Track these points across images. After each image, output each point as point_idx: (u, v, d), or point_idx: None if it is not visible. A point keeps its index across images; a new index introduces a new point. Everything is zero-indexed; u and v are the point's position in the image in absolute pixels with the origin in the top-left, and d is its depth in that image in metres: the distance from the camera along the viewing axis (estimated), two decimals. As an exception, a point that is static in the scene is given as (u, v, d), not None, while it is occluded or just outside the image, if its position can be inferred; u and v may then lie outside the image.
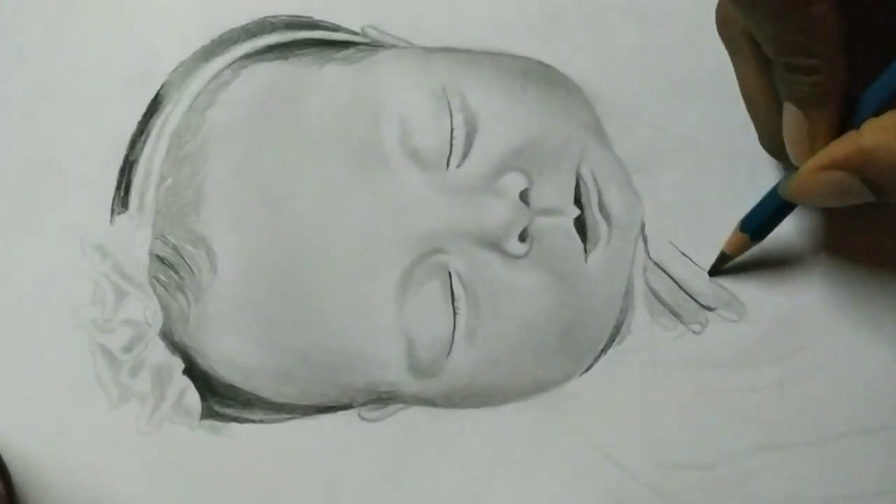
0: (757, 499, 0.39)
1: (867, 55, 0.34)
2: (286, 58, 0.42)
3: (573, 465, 0.39)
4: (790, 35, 0.33)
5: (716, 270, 0.40)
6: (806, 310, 0.40)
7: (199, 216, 0.40)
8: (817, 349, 0.40)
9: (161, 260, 0.40)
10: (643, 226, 0.41)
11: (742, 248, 0.39)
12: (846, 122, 0.34)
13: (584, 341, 0.40)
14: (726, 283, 0.40)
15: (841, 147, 0.34)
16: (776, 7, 0.32)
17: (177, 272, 0.40)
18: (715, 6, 0.37)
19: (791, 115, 0.35)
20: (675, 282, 0.40)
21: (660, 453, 0.39)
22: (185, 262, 0.40)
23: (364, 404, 0.40)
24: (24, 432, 0.39)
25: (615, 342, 0.40)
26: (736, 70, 0.38)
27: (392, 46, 0.42)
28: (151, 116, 0.42)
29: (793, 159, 0.36)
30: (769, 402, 0.39)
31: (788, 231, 0.40)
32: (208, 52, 0.42)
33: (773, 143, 0.37)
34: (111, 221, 0.41)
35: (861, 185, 0.33)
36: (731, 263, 0.40)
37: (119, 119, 0.41)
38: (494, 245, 0.39)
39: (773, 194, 0.38)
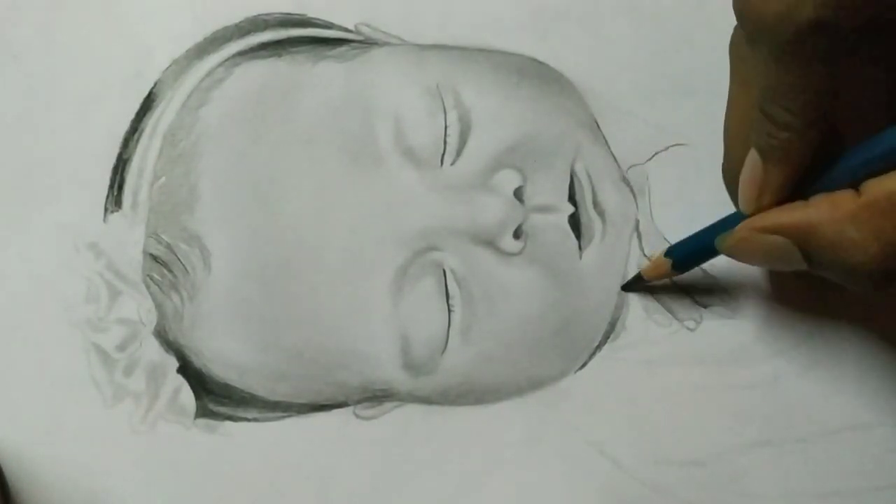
0: (751, 495, 0.39)
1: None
2: (280, 55, 0.42)
3: (568, 461, 0.39)
4: (781, 82, 0.31)
5: (629, 287, 0.40)
6: (800, 306, 0.40)
7: (192, 214, 0.40)
8: (811, 346, 0.40)
9: (155, 258, 0.40)
10: (637, 223, 0.41)
11: (662, 275, 0.39)
12: (800, 188, 0.33)
13: (579, 338, 0.40)
14: (721, 279, 0.40)
15: (787, 214, 0.33)
16: (781, 46, 0.31)
17: (171, 270, 0.40)
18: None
19: (752, 160, 0.34)
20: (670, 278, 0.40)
21: (655, 450, 0.39)
22: (179, 260, 0.40)
23: (359, 402, 0.40)
24: (18, 432, 0.39)
25: (610, 339, 0.40)
26: (728, 96, 0.36)
27: (386, 44, 0.42)
28: (145, 114, 0.41)
29: (740, 202, 0.35)
30: (763, 398, 0.39)
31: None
32: (201, 50, 0.42)
33: (731, 181, 0.36)
34: (104, 220, 0.41)
35: (799, 256, 0.33)
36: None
37: (112, 117, 0.41)
38: (489, 242, 0.39)
39: (707, 233, 0.37)
